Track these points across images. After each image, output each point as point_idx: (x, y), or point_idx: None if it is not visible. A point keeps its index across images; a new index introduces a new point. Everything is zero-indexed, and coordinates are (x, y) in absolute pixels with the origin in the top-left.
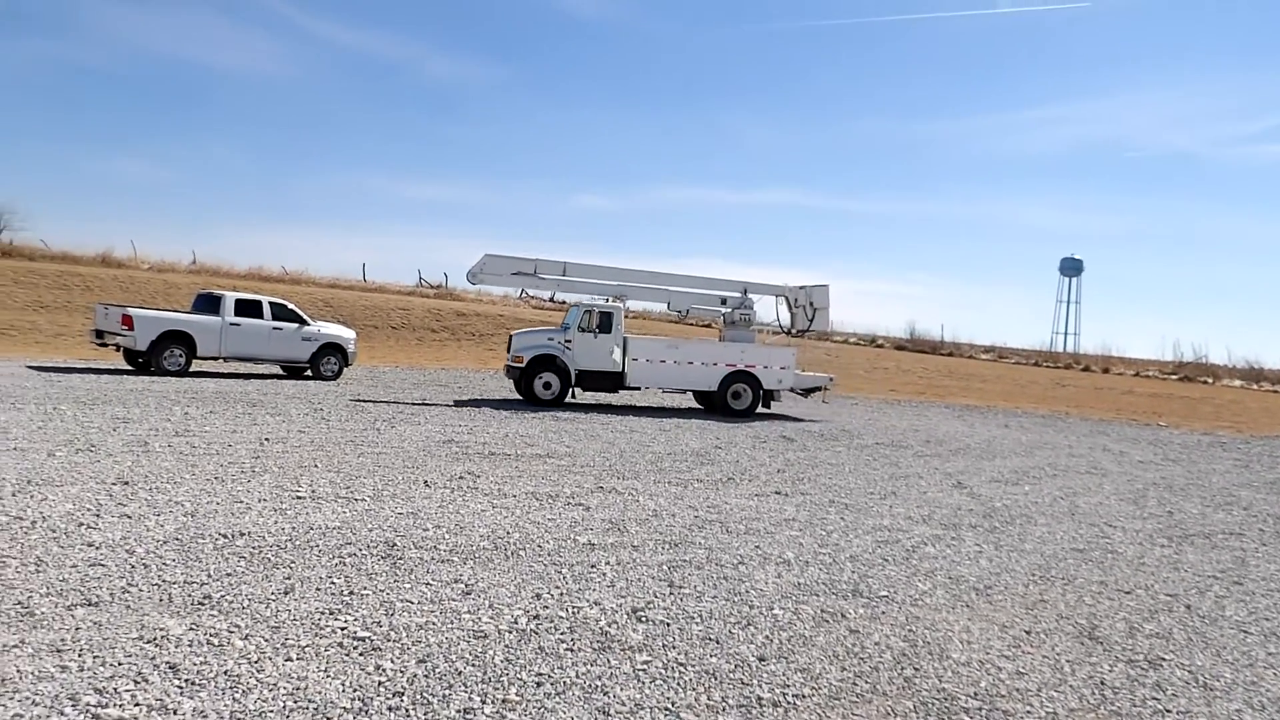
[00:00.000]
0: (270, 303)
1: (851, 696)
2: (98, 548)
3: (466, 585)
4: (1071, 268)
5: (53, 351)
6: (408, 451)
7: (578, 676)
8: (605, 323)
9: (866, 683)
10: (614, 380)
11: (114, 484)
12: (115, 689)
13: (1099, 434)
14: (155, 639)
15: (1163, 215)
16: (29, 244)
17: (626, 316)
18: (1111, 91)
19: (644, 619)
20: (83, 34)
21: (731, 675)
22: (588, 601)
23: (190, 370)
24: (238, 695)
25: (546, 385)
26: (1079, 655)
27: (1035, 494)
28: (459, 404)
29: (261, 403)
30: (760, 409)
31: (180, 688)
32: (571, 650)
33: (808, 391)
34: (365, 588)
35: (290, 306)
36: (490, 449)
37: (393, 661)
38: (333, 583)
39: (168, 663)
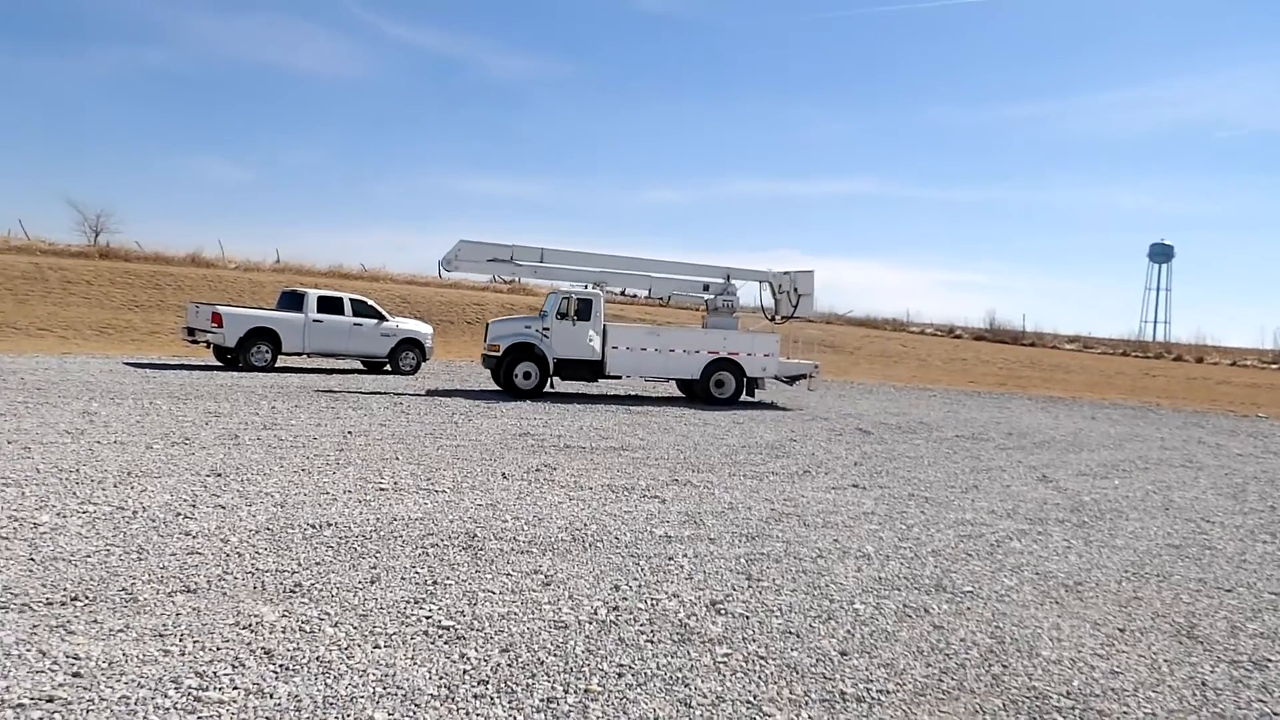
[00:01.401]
0: (351, 299)
1: (937, 693)
2: (194, 537)
3: (546, 576)
4: (1161, 254)
5: (147, 348)
6: (485, 444)
7: (658, 668)
8: (584, 310)
9: (953, 679)
10: (593, 369)
11: (208, 476)
12: (214, 673)
13: (1193, 426)
14: (250, 625)
15: (1260, 197)
16: (124, 246)
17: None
18: (1202, 69)
19: (723, 611)
20: (172, 42)
21: (813, 669)
22: (666, 593)
23: (276, 365)
24: (329, 680)
25: (526, 375)
26: (1177, 655)
27: (1126, 488)
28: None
29: (344, 397)
30: (745, 397)
31: (275, 672)
32: (651, 642)
33: (792, 379)
34: (448, 578)
35: (369, 303)
36: (565, 442)
37: (477, 650)
38: (416, 572)
39: (263, 648)
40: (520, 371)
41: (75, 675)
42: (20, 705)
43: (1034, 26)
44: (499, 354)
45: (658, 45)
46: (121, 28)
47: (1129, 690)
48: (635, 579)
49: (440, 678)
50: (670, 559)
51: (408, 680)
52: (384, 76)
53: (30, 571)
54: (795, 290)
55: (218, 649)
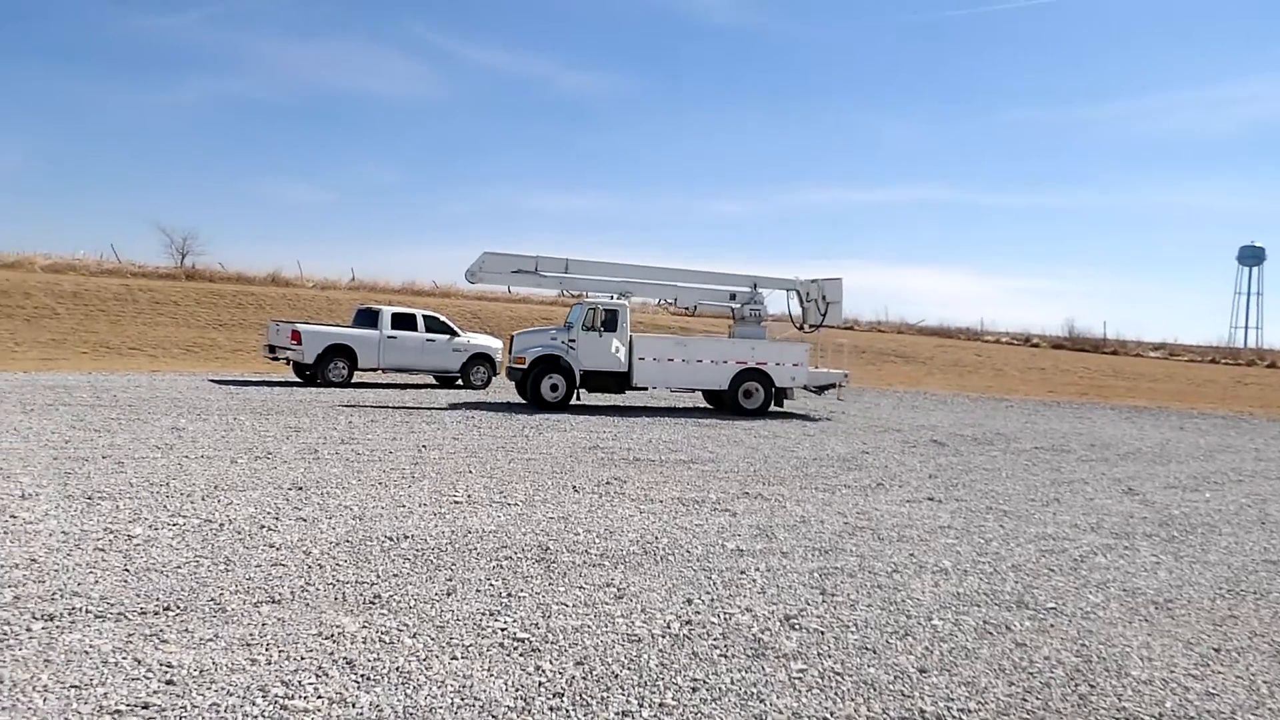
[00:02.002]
0: (424, 316)
1: (1021, 713)
2: (278, 548)
3: (618, 589)
4: (1252, 256)
5: (231, 365)
6: (555, 457)
7: (733, 683)
8: (610, 321)
9: (1037, 699)
10: (620, 380)
11: (289, 489)
12: (299, 681)
13: None
14: (333, 635)
15: None
16: (209, 267)
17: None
18: None
19: (797, 626)
20: (253, 71)
21: (891, 687)
22: (739, 608)
23: (352, 381)
24: (409, 691)
25: (554, 387)
26: (1278, 676)
27: (1218, 501)
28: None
29: (417, 411)
30: (773, 407)
31: (357, 682)
32: (725, 656)
33: (821, 389)
34: (522, 590)
35: (442, 319)
36: (635, 455)
37: (551, 663)
38: (491, 585)
39: (345, 658)
40: (548, 384)
41: (168, 683)
42: (118, 711)
43: (1110, 25)
44: (525, 366)
45: (724, 57)
46: (206, 60)
47: (1226, 713)
48: (707, 593)
49: (516, 690)
50: (742, 573)
51: (485, 692)
52: (454, 96)
53: (125, 582)
54: (824, 298)
55: (302, 658)
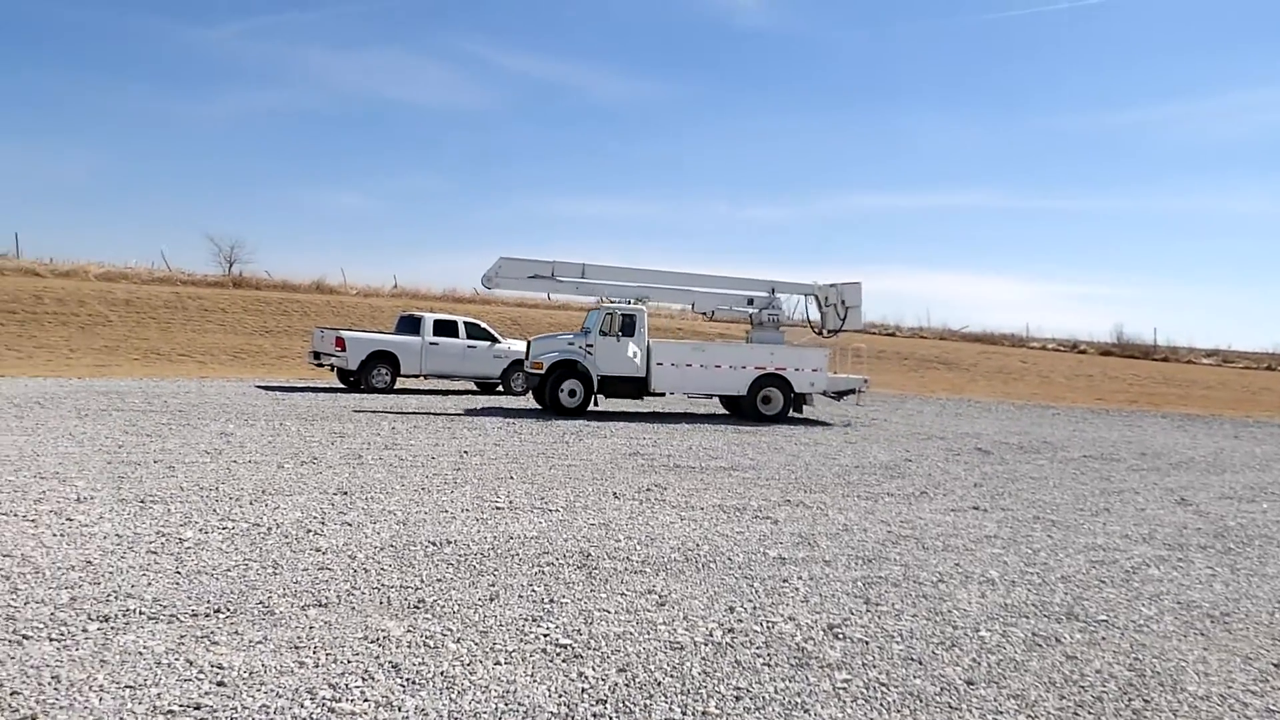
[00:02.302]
0: (465, 322)
1: None
2: (324, 553)
3: (660, 596)
4: None
5: (277, 372)
6: (596, 464)
7: (776, 692)
8: (628, 325)
9: (1089, 713)
10: (637, 386)
11: (335, 494)
12: (346, 685)
13: None
14: (378, 639)
15: None
16: (255, 275)
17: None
18: None
19: (841, 636)
20: (298, 82)
21: (938, 699)
22: (782, 616)
23: (395, 387)
24: (454, 696)
25: (571, 393)
26: None
27: (1276, 512)
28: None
29: (459, 417)
30: (792, 414)
31: (403, 686)
32: (769, 665)
33: (840, 394)
34: (564, 596)
35: (483, 325)
36: (675, 461)
37: (594, 669)
38: (533, 590)
39: (390, 662)
40: (566, 389)
41: (219, 684)
42: (171, 712)
43: (1162, 26)
44: (542, 372)
45: (762, 62)
46: (253, 71)
47: None
48: (750, 601)
49: (559, 696)
50: (785, 581)
51: (528, 698)
52: (494, 104)
53: (177, 584)
54: (843, 303)
55: (348, 662)
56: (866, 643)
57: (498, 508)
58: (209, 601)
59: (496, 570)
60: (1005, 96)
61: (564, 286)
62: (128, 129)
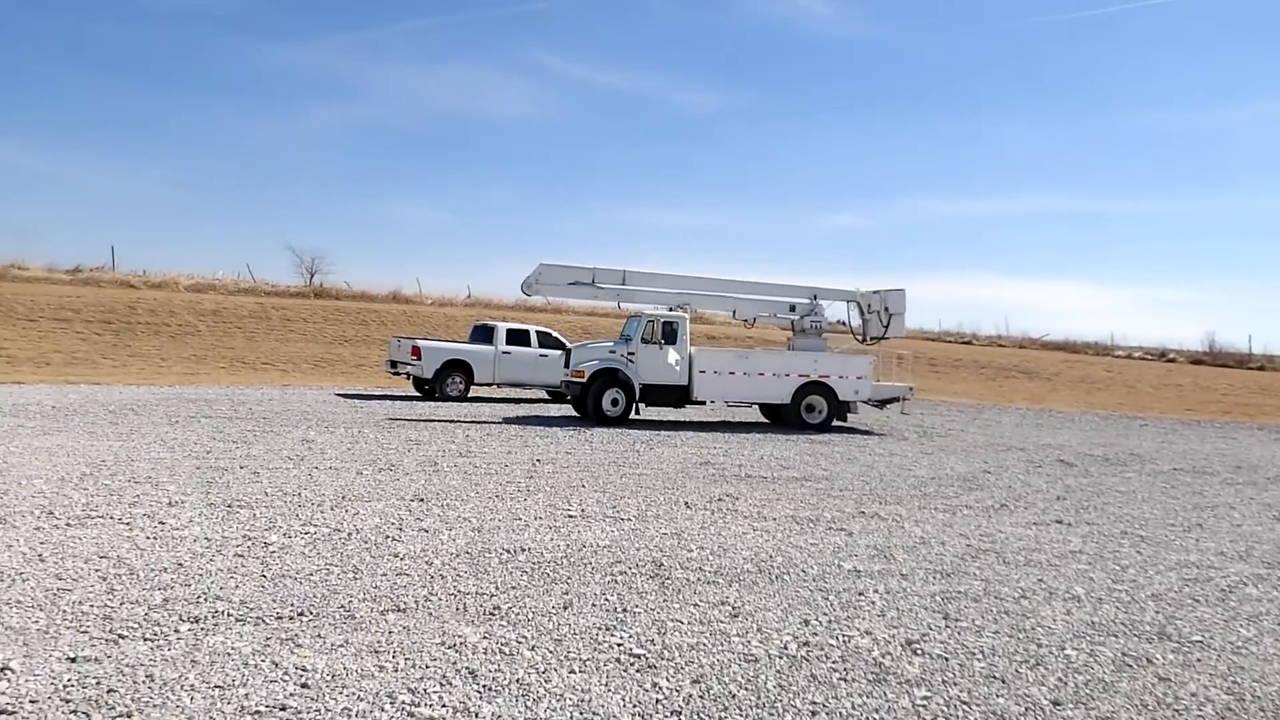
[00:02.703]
0: (537, 331)
1: None
2: (402, 559)
3: (733, 608)
4: None
5: (355, 380)
6: (667, 473)
7: (854, 708)
8: (669, 333)
9: None
10: (679, 394)
11: (411, 500)
12: (425, 689)
13: None
14: (455, 645)
15: None
16: (335, 285)
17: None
18: None
19: (919, 652)
20: (376, 98)
21: (1022, 719)
22: (858, 630)
23: (469, 395)
24: (529, 703)
25: (614, 402)
26: None
27: None
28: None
29: (531, 425)
30: (836, 422)
31: (479, 692)
32: (845, 680)
33: (883, 403)
34: (637, 606)
35: (554, 334)
36: (746, 471)
37: (668, 680)
38: (606, 599)
39: (467, 668)
40: (608, 398)
41: (303, 686)
42: (258, 712)
43: (1247, 19)
44: (584, 380)
45: (837, 68)
46: (335, 88)
47: None
48: (825, 614)
49: (634, 706)
50: (860, 594)
51: (603, 707)
52: (567, 117)
53: (263, 588)
54: (886, 309)
55: (427, 666)
56: (946, 659)
57: (570, 516)
58: (293, 605)
59: (570, 578)
60: (1085, 95)
61: (604, 293)
62: (216, 146)
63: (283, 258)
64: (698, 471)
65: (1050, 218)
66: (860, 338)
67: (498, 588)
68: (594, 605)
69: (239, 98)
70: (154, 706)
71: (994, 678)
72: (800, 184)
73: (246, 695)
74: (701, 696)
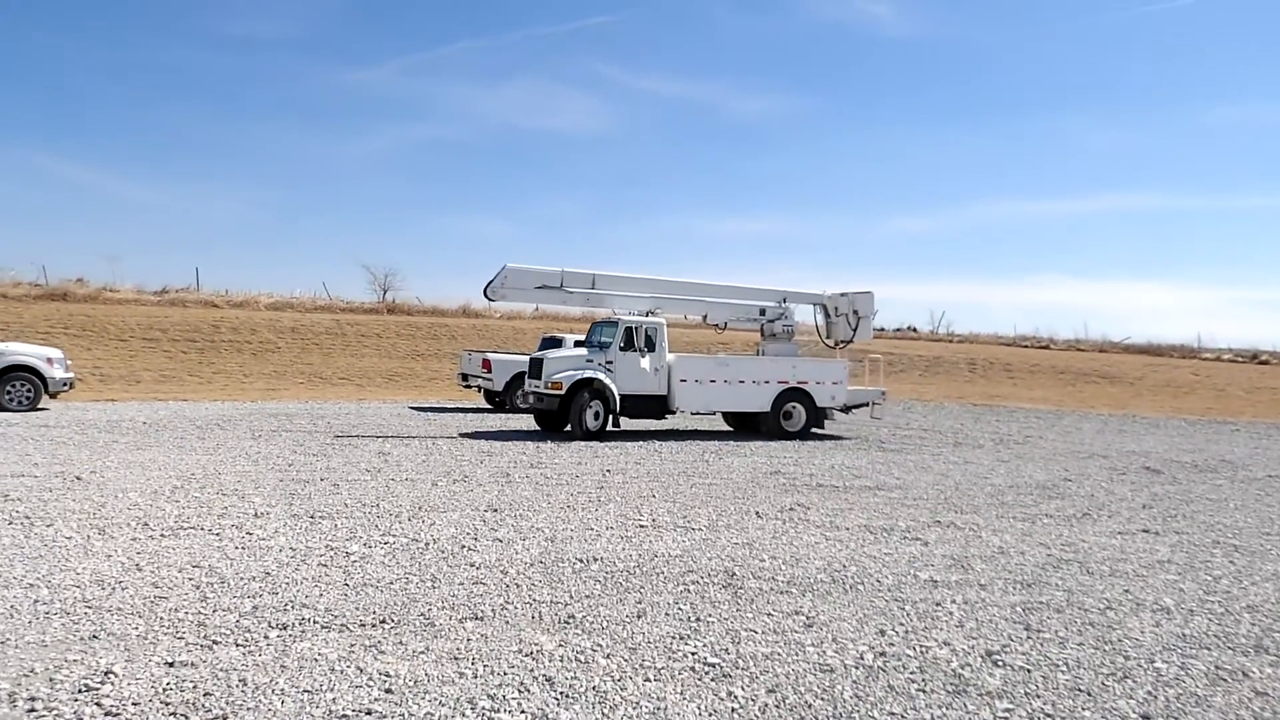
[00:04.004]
0: None
1: None
2: (478, 568)
3: (808, 617)
4: None
5: (428, 393)
6: (736, 482)
7: (933, 719)
8: (649, 340)
9: None
10: (659, 405)
11: (485, 511)
12: (504, 696)
13: None
14: (531, 653)
15: None
16: (407, 301)
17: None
18: None
19: (1000, 663)
20: (445, 115)
21: None
22: (936, 641)
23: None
24: (605, 710)
25: (596, 415)
26: None
27: None
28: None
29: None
30: (814, 429)
31: (556, 699)
32: (924, 691)
33: (849, 408)
34: (710, 615)
35: None
36: (817, 480)
37: (743, 689)
38: (679, 609)
39: (544, 675)
40: (591, 411)
41: (387, 691)
42: (345, 716)
43: None
44: (562, 392)
45: (899, 71)
46: (403, 107)
47: None
48: (901, 624)
49: (709, 715)
50: (938, 604)
51: (678, 715)
52: (627, 128)
53: (346, 596)
54: (855, 313)
55: (505, 674)
56: (1029, 671)
57: (641, 525)
58: (375, 612)
59: (643, 588)
60: (1173, 90)
61: (573, 298)
62: (291, 168)
63: (357, 275)
64: (768, 481)
65: (1131, 217)
66: (836, 343)
67: (572, 597)
68: (667, 614)
69: (313, 121)
70: (247, 710)
71: (1080, 690)
72: (863, 188)
73: (334, 700)
74: (777, 706)
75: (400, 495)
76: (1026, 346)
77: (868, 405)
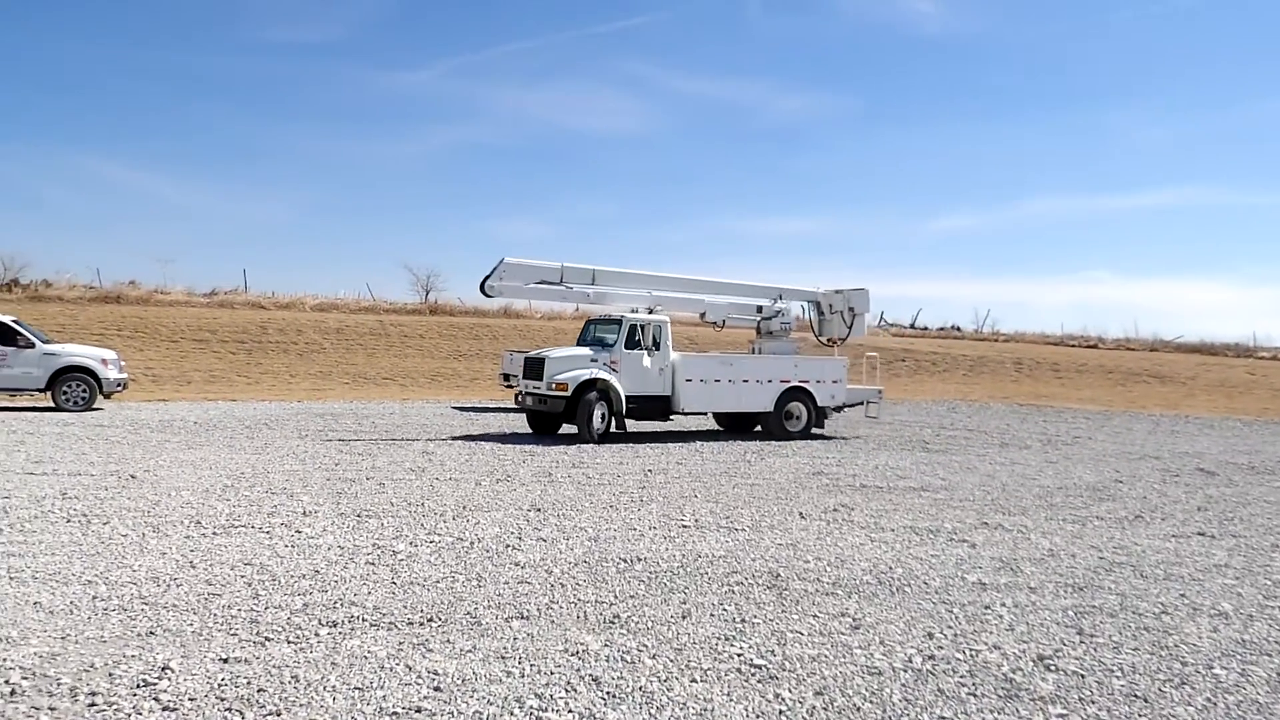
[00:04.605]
0: None
1: None
2: (523, 567)
3: (854, 619)
4: None
5: (470, 393)
6: (779, 483)
7: None
8: (655, 339)
9: None
10: (664, 406)
11: (529, 510)
12: (551, 695)
13: None
14: (577, 652)
15: None
16: (449, 302)
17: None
18: None
19: (1053, 668)
20: (485, 118)
21: None
22: (986, 644)
23: None
24: (653, 711)
25: (602, 417)
26: None
27: None
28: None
29: (640, 436)
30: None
31: (603, 699)
32: (974, 695)
33: (840, 407)
34: (755, 616)
35: None
36: (861, 481)
37: (790, 691)
38: (724, 609)
39: (590, 675)
40: (599, 413)
41: (436, 689)
42: (395, 714)
43: None
44: (568, 394)
45: (942, 68)
46: (445, 110)
47: None
48: (950, 627)
49: (756, 716)
50: (987, 608)
51: (725, 716)
52: (667, 128)
53: (393, 594)
54: (849, 309)
55: (551, 673)
56: (1082, 676)
57: (684, 526)
58: (422, 611)
59: (687, 588)
60: (1213, 85)
61: (573, 294)
62: (335, 171)
63: (400, 276)
64: (810, 481)
65: (1183, 213)
66: (829, 340)
67: (616, 596)
68: (712, 615)
69: (357, 124)
70: (300, 706)
71: (1135, 696)
72: (906, 187)
73: (384, 697)
74: (825, 709)
75: (445, 494)
76: (1074, 345)
77: (865, 404)
